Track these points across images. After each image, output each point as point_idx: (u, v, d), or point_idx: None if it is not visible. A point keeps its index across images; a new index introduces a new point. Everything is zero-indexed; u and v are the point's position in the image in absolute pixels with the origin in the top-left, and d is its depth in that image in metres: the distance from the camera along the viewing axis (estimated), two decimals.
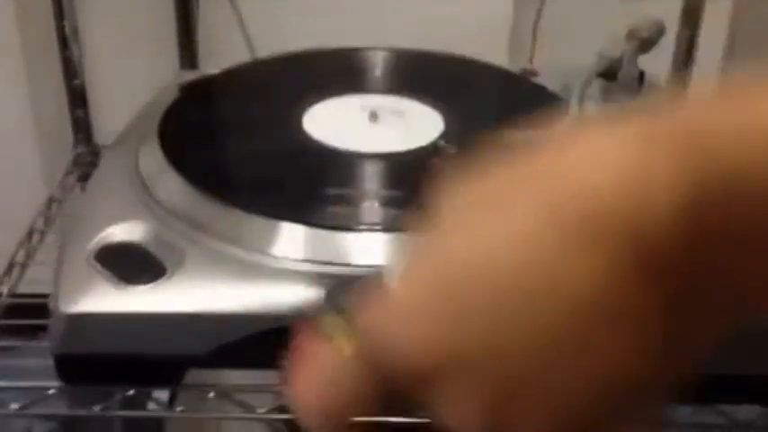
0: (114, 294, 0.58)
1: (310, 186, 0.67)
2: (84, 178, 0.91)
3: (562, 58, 1.11)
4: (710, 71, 1.42)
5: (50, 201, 0.85)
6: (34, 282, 0.73)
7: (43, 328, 0.61)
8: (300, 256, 0.60)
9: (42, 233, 0.80)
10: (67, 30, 0.94)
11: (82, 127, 0.99)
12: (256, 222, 0.61)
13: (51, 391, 0.62)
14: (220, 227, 0.61)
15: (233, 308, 0.57)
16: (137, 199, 0.66)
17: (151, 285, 0.58)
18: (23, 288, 0.73)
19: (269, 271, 0.59)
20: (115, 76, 1.04)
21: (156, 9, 1.15)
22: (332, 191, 0.66)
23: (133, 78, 1.18)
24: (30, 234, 0.79)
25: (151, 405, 0.67)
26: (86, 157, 0.96)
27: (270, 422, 0.91)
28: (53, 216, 0.83)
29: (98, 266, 0.59)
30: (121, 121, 0.81)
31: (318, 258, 0.59)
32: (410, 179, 0.65)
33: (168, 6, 1.07)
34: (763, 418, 0.67)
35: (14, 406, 0.62)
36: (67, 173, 0.93)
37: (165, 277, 0.58)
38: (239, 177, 0.69)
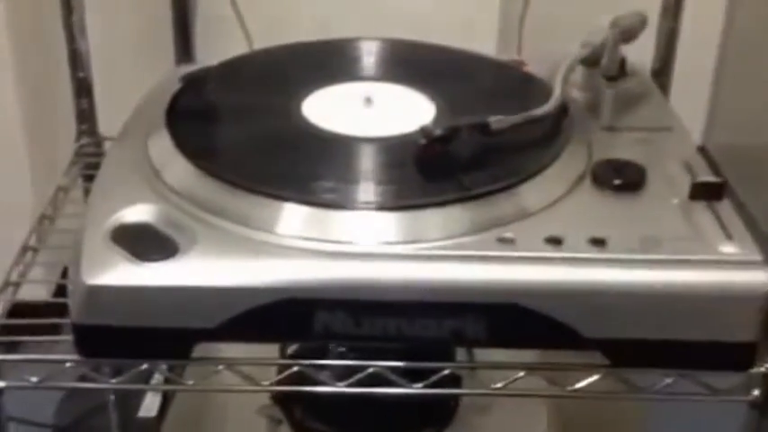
0: (130, 269, 0.60)
1: (310, 168, 0.68)
2: (88, 167, 0.92)
3: (548, 48, 1.14)
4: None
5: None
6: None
7: None
8: (302, 233, 0.62)
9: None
10: (75, 24, 0.94)
11: (87, 118, 0.99)
12: (261, 203, 0.64)
13: (69, 365, 0.64)
14: (228, 208, 0.64)
15: (241, 282, 0.60)
16: (148, 184, 0.68)
17: (165, 262, 0.60)
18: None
19: (273, 248, 0.62)
20: (108, 70, 1.03)
21: (155, 4, 1.17)
22: (330, 172, 0.68)
23: (127, 72, 1.19)
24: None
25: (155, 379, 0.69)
26: (90, 148, 0.97)
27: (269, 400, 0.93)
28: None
29: (114, 245, 0.61)
30: (116, 112, 0.82)
31: (318, 236, 0.62)
32: (402, 161, 0.69)
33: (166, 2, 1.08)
34: (742, 386, 0.68)
35: (34, 379, 0.65)
36: (72, 163, 0.93)
37: (177, 255, 0.61)
38: (244, 161, 0.70)
